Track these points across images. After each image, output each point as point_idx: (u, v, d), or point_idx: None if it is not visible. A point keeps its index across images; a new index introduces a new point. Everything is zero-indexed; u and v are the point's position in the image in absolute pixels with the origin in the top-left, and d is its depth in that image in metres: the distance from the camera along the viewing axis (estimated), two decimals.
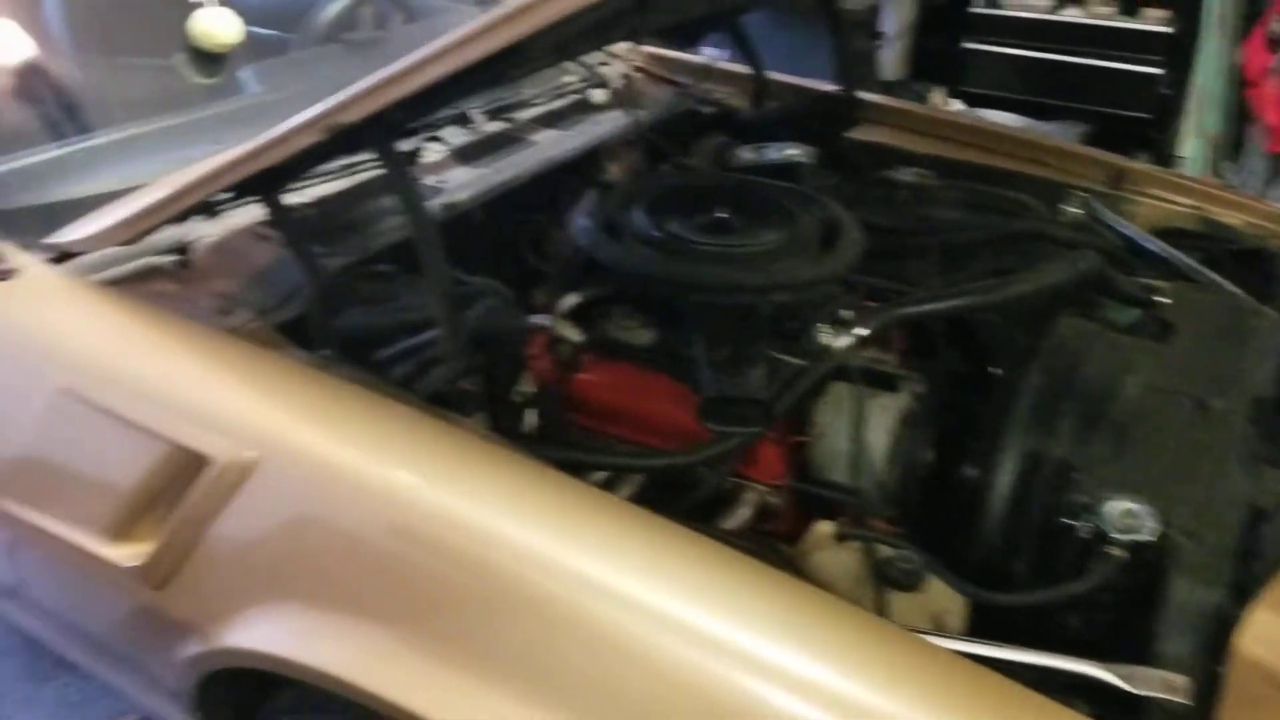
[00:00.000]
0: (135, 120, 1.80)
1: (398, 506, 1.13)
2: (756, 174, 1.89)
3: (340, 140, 1.22)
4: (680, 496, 1.42)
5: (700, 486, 1.42)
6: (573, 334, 1.53)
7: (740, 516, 1.43)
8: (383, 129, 1.24)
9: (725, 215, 1.59)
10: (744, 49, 2.20)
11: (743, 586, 1.05)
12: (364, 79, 1.19)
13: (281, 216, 1.43)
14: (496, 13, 1.12)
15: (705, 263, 1.49)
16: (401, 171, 1.28)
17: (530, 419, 1.51)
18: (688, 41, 2.41)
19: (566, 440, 1.48)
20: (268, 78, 2.03)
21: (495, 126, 1.97)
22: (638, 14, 1.56)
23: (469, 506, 1.11)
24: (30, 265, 1.43)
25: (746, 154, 2.01)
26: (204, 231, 1.55)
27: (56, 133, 1.74)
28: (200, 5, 1.76)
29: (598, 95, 2.18)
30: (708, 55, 2.52)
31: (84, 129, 1.77)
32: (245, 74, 2.02)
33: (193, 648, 1.24)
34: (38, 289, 1.41)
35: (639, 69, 2.36)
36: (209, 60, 1.85)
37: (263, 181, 1.37)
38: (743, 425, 1.38)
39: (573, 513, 1.12)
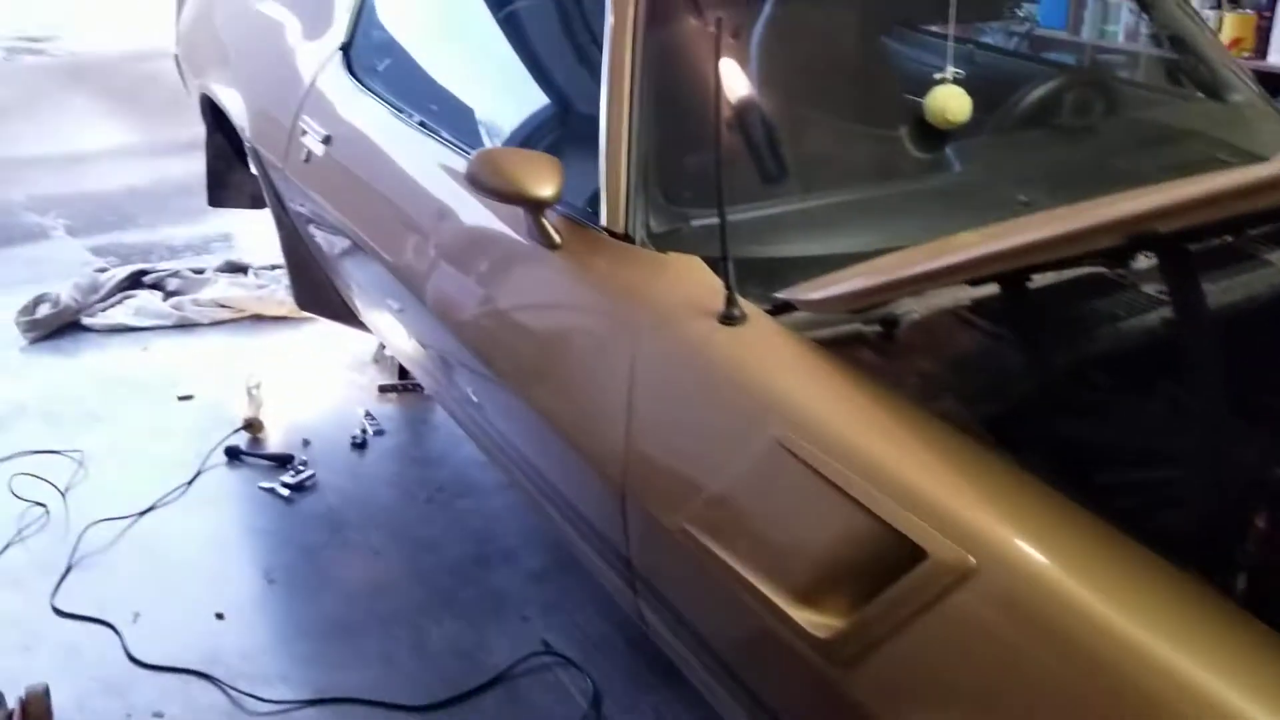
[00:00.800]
0: (847, 185, 1.86)
1: (1118, 657, 1.01)
2: None
3: (1129, 245, 1.13)
4: None
5: None
6: None
7: None
8: (1186, 240, 1.12)
9: None
10: None
11: None
12: (1184, 184, 1.07)
13: (1015, 310, 1.36)
14: None
15: None
16: (1195, 289, 1.14)
17: (1241, 582, 1.31)
18: None
19: None
20: (969, 157, 2.00)
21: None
22: None
23: (1197, 673, 0.98)
24: (754, 314, 1.50)
25: None
26: (907, 305, 1.54)
27: (773, 188, 1.84)
28: (943, 81, 1.76)
29: None
30: None
31: (799, 187, 1.85)
32: (948, 151, 2.01)
33: None
34: (761, 338, 1.47)
35: None
36: (932, 135, 1.85)
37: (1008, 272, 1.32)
38: None
39: None
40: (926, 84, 1.89)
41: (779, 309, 1.54)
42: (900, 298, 1.42)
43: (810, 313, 1.49)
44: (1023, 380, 1.41)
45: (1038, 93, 2.17)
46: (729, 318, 1.48)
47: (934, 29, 2.26)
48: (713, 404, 1.46)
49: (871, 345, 1.50)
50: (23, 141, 5.57)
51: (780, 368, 1.41)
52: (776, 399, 1.37)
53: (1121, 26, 4.20)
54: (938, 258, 1.33)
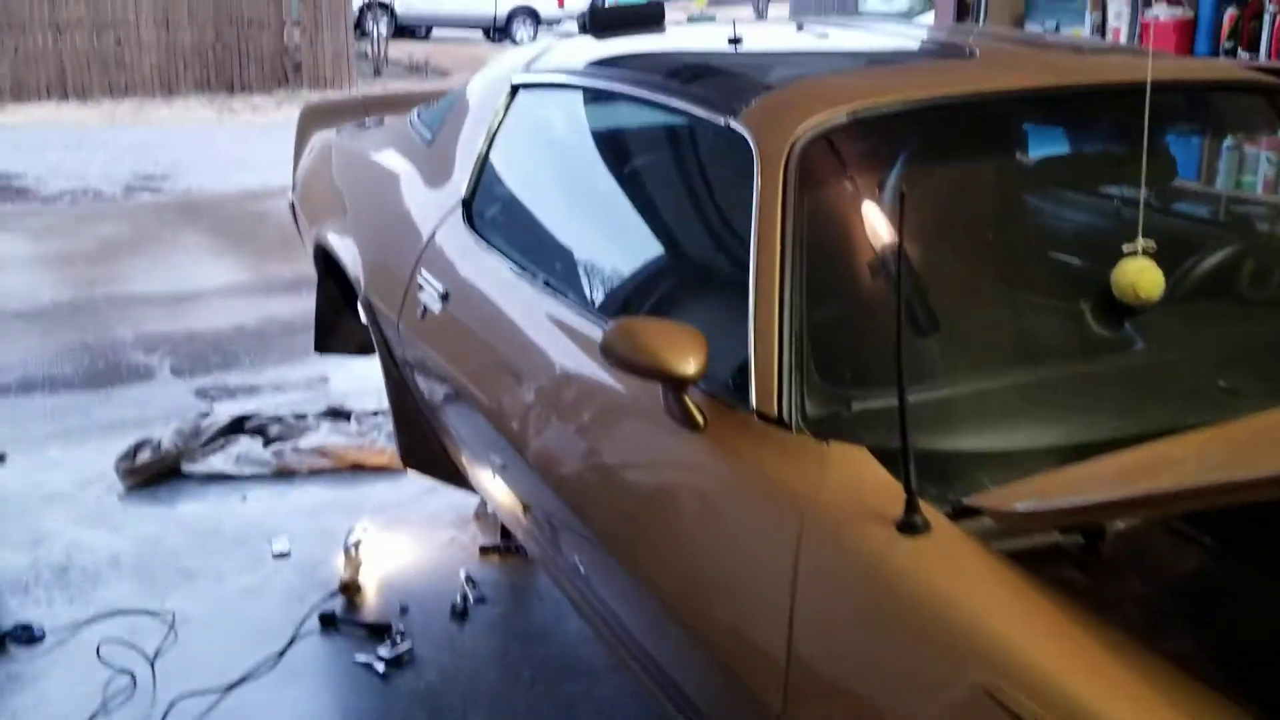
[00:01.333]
0: (1023, 366, 1.68)
1: None
2: None
3: None
4: None
5: None
6: None
7: None
8: None
9: None
10: None
11: None
12: None
13: (1240, 523, 1.16)
14: None
15: None
16: None
17: None
18: None
19: None
20: (1151, 332, 1.80)
21: None
22: None
23: None
24: (937, 521, 1.31)
25: None
26: None
27: (944, 369, 1.66)
28: (1134, 254, 1.59)
29: None
30: None
31: (972, 369, 1.67)
32: (1126, 325, 1.82)
33: None
34: (950, 551, 1.27)
35: None
36: (1113, 310, 1.66)
37: None
38: None
39: None
40: (1101, 251, 1.73)
41: (959, 512, 1.36)
42: (1112, 518, 1.23)
43: (1026, 532, 1.30)
44: (1269, 614, 1.20)
45: (1213, 259, 1.98)
46: (910, 525, 1.29)
47: (1101, 189, 2.12)
48: (899, 630, 1.26)
49: (1074, 561, 1.30)
50: (134, 279, 5.68)
51: (980, 593, 1.21)
52: (979, 634, 1.16)
53: (1260, 176, 3.99)
54: (1164, 473, 1.14)
